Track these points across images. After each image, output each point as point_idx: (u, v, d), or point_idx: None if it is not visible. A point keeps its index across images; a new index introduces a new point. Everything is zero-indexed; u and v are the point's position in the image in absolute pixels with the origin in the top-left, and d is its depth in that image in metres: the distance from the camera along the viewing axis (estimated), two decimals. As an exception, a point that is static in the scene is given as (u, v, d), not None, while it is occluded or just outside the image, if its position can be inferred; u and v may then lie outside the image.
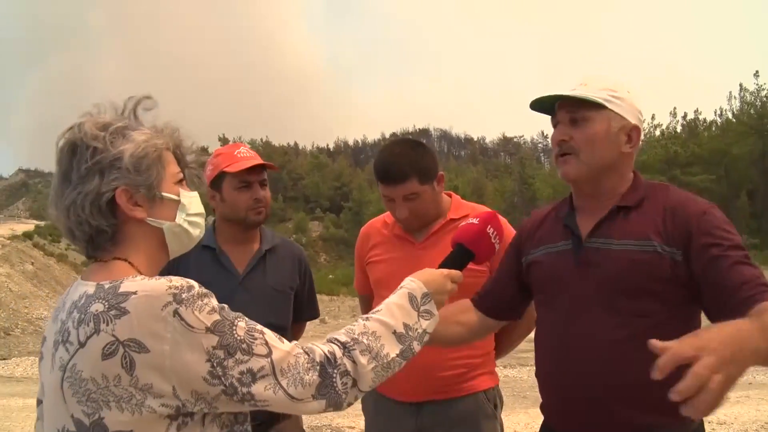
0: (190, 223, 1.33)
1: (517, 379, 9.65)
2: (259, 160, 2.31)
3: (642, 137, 1.75)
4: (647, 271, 1.59)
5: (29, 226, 48.45)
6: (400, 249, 2.29)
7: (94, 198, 1.21)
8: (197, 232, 1.36)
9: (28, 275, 28.63)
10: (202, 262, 2.29)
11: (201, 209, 1.37)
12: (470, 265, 2.13)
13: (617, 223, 1.68)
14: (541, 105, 1.78)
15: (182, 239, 1.34)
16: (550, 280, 1.78)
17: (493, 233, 1.60)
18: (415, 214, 2.20)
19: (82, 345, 1.12)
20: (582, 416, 1.66)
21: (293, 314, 2.45)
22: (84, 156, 1.21)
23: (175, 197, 1.30)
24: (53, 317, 1.27)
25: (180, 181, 1.33)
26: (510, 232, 2.27)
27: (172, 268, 2.29)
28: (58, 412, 1.17)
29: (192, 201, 1.34)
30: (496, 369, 2.39)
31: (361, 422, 6.18)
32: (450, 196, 2.38)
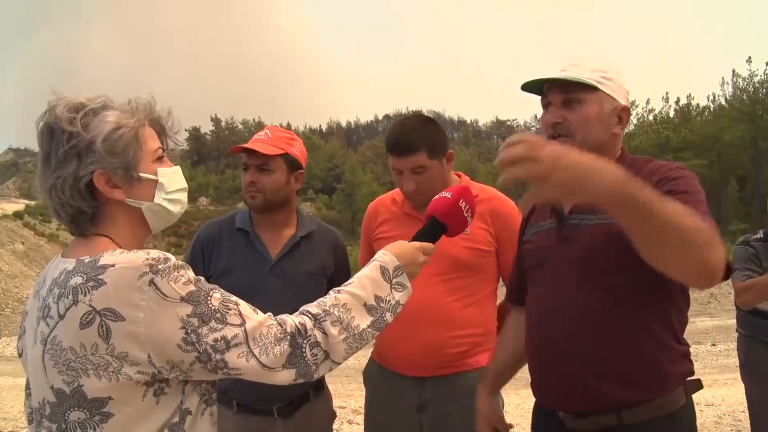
0: (169, 201, 1.34)
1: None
2: (254, 146, 2.25)
3: (631, 119, 1.74)
4: (622, 243, 1.51)
5: (19, 205, 48.22)
6: (409, 227, 2.23)
7: (73, 181, 1.24)
8: (178, 209, 1.38)
9: (18, 255, 28.54)
10: (234, 245, 2.30)
11: (182, 184, 1.39)
12: (471, 244, 2.12)
13: None
14: (530, 85, 1.77)
15: (162, 216, 1.36)
16: (535, 258, 1.81)
17: (465, 206, 1.60)
18: (421, 189, 2.22)
19: (61, 317, 1.16)
20: (564, 392, 1.67)
21: None
22: (60, 140, 1.23)
23: (153, 177, 1.31)
24: (34, 293, 1.30)
25: (160, 158, 1.34)
26: (505, 205, 2.33)
27: (205, 250, 2.32)
28: (40, 385, 1.21)
29: (172, 177, 1.35)
30: (490, 350, 2.41)
31: (353, 402, 6.22)
32: (459, 176, 2.41)
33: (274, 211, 2.32)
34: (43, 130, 1.25)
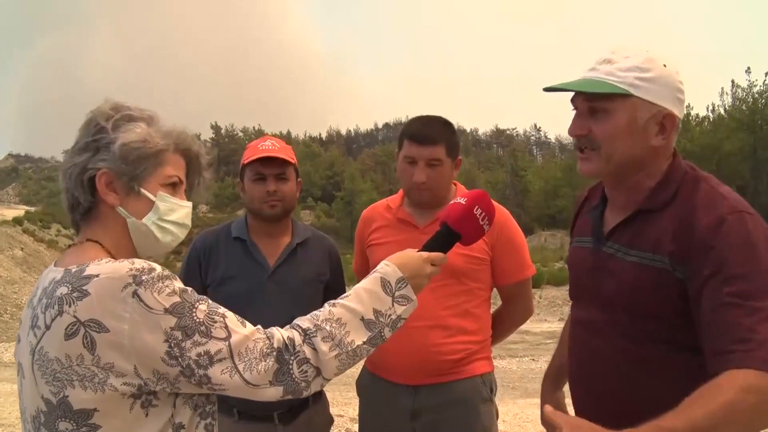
0: (159, 227, 1.32)
1: (506, 370, 9.69)
2: (274, 153, 2.28)
3: (679, 122, 1.47)
4: (651, 290, 1.40)
5: (19, 211, 48.15)
6: (403, 233, 2.30)
7: (80, 171, 1.26)
8: (168, 239, 1.34)
9: (17, 261, 28.49)
10: (232, 254, 2.32)
11: (183, 220, 1.36)
12: (466, 251, 2.09)
13: (634, 227, 1.48)
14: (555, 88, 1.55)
15: (149, 239, 1.33)
16: (574, 276, 1.69)
17: (480, 214, 1.52)
18: (430, 183, 2.22)
19: (48, 327, 1.16)
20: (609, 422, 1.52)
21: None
22: (90, 130, 1.27)
23: (151, 196, 1.30)
24: (28, 302, 1.30)
25: (173, 186, 1.33)
26: (499, 213, 2.30)
27: (202, 260, 2.35)
28: (33, 394, 1.21)
29: (175, 208, 1.33)
30: (486, 360, 2.41)
31: (351, 410, 6.21)
32: (455, 185, 2.40)
33: (281, 219, 2.34)
34: (86, 120, 1.30)
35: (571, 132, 1.52)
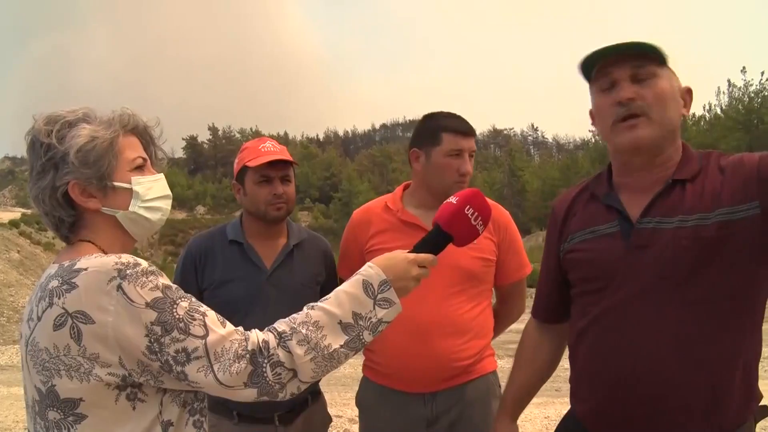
0: (147, 209, 1.35)
1: (506, 369, 9.67)
2: (281, 156, 2.29)
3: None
4: (714, 246, 1.38)
5: (15, 214, 48.01)
6: (411, 237, 2.14)
7: (51, 192, 1.28)
8: (158, 216, 1.38)
9: (13, 263, 28.40)
10: (229, 258, 2.31)
11: (163, 192, 1.39)
12: (479, 254, 2.09)
13: (674, 197, 1.47)
14: (586, 64, 1.55)
15: (142, 224, 1.36)
16: (595, 269, 1.56)
17: (473, 214, 1.45)
18: (470, 174, 2.27)
19: (39, 319, 1.20)
20: (639, 424, 1.46)
21: None
22: (39, 152, 1.28)
23: (127, 185, 1.32)
24: (30, 299, 1.32)
25: (140, 167, 1.35)
26: (503, 215, 2.29)
27: (198, 264, 2.33)
28: (29, 384, 1.25)
29: (152, 186, 1.36)
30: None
31: (349, 411, 6.18)
32: None
33: (282, 221, 2.35)
34: (28, 144, 1.31)
35: (620, 97, 1.47)
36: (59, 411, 1.19)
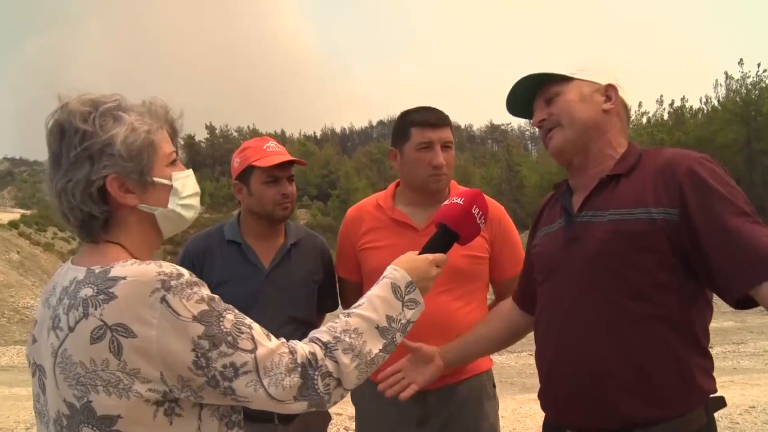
0: (183, 206, 1.30)
1: (504, 365, 9.69)
2: (288, 156, 2.30)
3: (622, 97, 1.69)
4: (632, 240, 1.48)
5: (15, 215, 47.99)
6: (401, 236, 2.23)
7: (85, 185, 1.18)
8: (191, 214, 1.32)
9: (13, 264, 28.38)
10: (227, 257, 2.31)
11: (195, 188, 1.33)
12: (467, 251, 2.08)
13: (606, 193, 1.58)
14: (516, 109, 1.80)
15: (175, 222, 1.31)
16: (544, 261, 1.73)
17: (478, 213, 1.54)
18: (448, 164, 2.23)
19: (71, 330, 1.12)
20: (573, 406, 1.58)
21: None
22: (73, 141, 1.17)
23: (167, 181, 1.26)
24: (43, 301, 1.26)
25: (173, 162, 1.29)
26: (496, 209, 2.28)
27: (196, 264, 2.32)
28: (54, 397, 1.17)
29: (186, 182, 1.30)
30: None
31: (349, 409, 6.19)
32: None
33: (284, 220, 2.36)
34: (52, 130, 1.19)
35: (534, 122, 1.73)
36: (95, 428, 1.11)
